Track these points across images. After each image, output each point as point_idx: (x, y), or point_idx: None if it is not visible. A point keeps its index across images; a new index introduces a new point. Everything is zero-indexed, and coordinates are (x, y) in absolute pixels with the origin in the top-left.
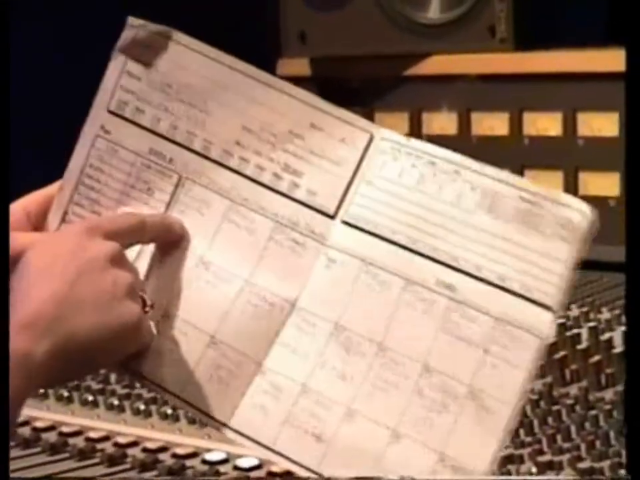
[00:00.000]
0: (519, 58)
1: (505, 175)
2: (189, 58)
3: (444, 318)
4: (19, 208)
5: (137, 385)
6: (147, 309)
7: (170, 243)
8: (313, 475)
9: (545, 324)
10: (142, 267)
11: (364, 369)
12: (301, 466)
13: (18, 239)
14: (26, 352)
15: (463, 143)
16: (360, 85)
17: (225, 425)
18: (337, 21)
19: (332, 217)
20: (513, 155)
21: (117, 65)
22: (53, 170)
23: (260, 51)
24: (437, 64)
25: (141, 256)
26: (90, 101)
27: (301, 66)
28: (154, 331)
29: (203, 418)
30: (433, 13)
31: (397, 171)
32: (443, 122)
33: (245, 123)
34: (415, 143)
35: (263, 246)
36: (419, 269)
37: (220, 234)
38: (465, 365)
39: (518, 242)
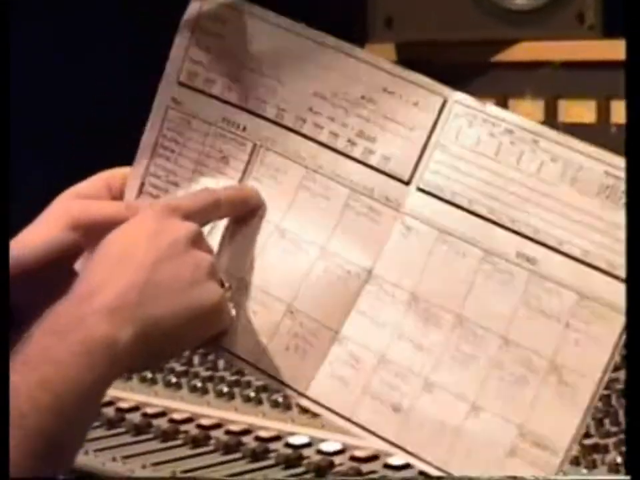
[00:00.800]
0: (607, 45)
1: (586, 147)
2: (257, 27)
3: (524, 291)
4: (102, 179)
5: (220, 367)
6: (225, 289)
7: (246, 213)
8: (393, 448)
9: None
10: (217, 237)
11: (442, 340)
12: (379, 437)
13: (102, 208)
14: (110, 339)
15: None
16: (446, 70)
17: (302, 394)
18: (424, 6)
19: (407, 183)
20: (599, 142)
21: (184, 38)
22: (53, 170)
23: (346, 36)
24: (524, 50)
25: (215, 225)
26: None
27: (387, 51)
28: (233, 311)
29: (280, 387)
30: None
31: (473, 139)
32: (530, 109)
33: (317, 89)
34: (491, 108)
35: (338, 213)
36: (498, 240)
37: (296, 201)
38: (546, 339)
39: (603, 217)
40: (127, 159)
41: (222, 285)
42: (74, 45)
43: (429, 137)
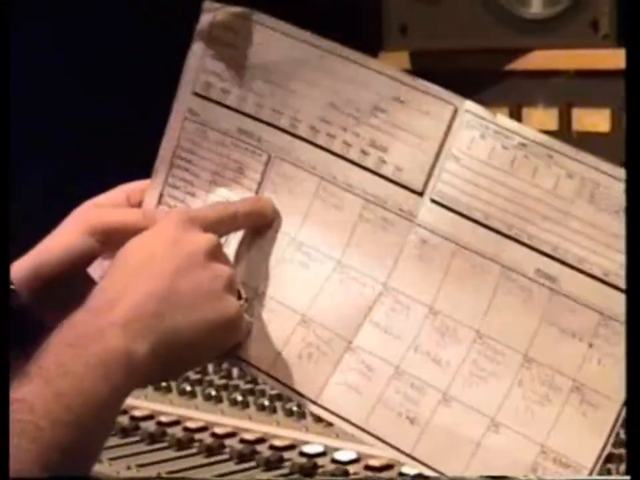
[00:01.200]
0: (621, 54)
1: (602, 163)
2: (270, 37)
3: (545, 309)
4: (121, 191)
5: (235, 375)
6: (242, 302)
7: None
8: (408, 460)
9: None
10: (232, 247)
11: (460, 354)
12: (394, 448)
13: (120, 214)
14: (126, 351)
15: (563, 138)
16: (460, 78)
17: (314, 402)
18: (439, 14)
19: (420, 194)
20: (614, 151)
21: (198, 49)
22: (53, 170)
23: (361, 44)
24: (538, 59)
25: (230, 236)
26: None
27: (402, 59)
28: (249, 323)
29: (292, 395)
30: (536, 7)
31: (486, 151)
32: (543, 118)
33: (329, 99)
34: (502, 120)
35: (353, 225)
36: (515, 256)
37: (310, 212)
38: (568, 358)
39: (622, 236)
40: (127, 159)
41: (239, 297)
42: (74, 45)
43: (441, 147)
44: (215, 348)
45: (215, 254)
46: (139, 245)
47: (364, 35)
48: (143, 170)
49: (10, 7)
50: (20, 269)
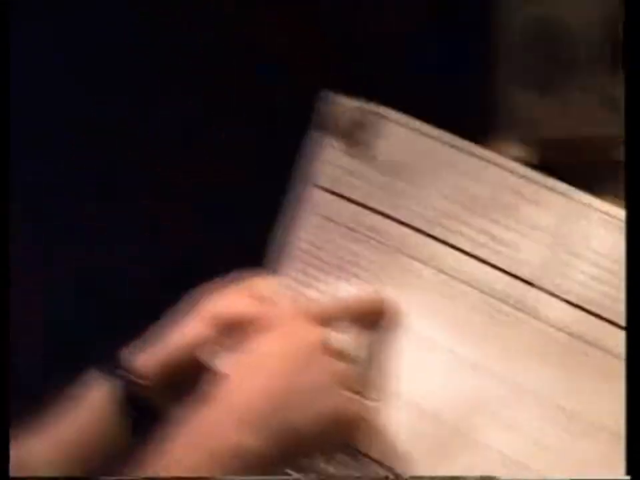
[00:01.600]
0: None
1: None
2: (395, 132)
3: None
4: (243, 282)
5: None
6: (364, 399)
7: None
8: None
9: None
10: (349, 341)
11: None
12: None
13: (243, 306)
14: (242, 445)
15: None
16: (575, 168)
17: None
18: (550, 103)
19: (542, 290)
20: None
21: (323, 142)
22: (52, 170)
23: (470, 133)
24: None
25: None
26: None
27: (513, 150)
28: (372, 419)
29: None
30: None
31: (605, 244)
32: None
33: (451, 194)
34: (621, 213)
35: (469, 316)
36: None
37: (429, 305)
38: None
39: None
40: (127, 159)
41: (358, 393)
42: (74, 45)
43: (561, 241)
44: (332, 442)
45: (332, 349)
46: (259, 341)
47: (474, 122)
48: (143, 170)
49: (10, 7)
50: (148, 363)
